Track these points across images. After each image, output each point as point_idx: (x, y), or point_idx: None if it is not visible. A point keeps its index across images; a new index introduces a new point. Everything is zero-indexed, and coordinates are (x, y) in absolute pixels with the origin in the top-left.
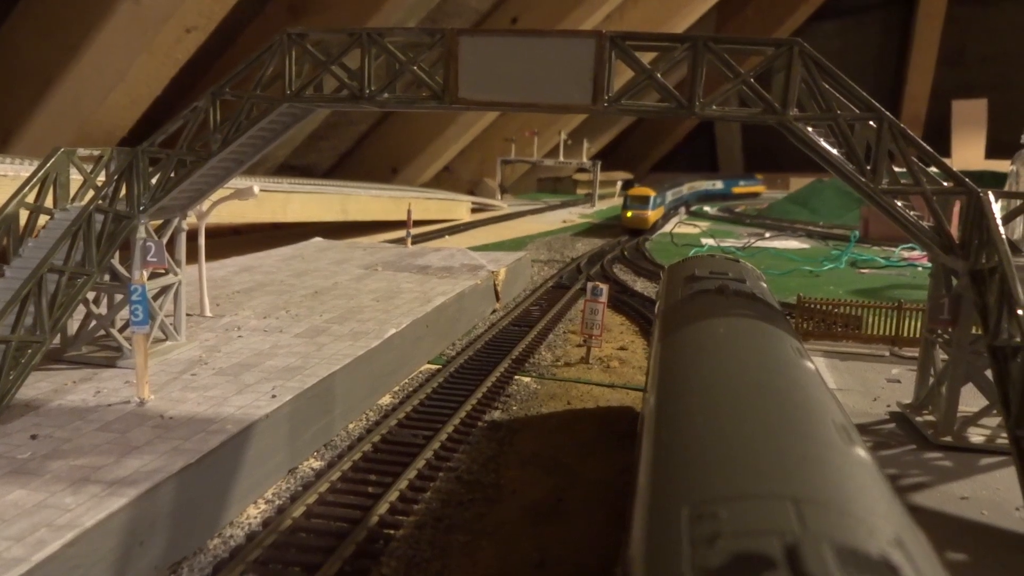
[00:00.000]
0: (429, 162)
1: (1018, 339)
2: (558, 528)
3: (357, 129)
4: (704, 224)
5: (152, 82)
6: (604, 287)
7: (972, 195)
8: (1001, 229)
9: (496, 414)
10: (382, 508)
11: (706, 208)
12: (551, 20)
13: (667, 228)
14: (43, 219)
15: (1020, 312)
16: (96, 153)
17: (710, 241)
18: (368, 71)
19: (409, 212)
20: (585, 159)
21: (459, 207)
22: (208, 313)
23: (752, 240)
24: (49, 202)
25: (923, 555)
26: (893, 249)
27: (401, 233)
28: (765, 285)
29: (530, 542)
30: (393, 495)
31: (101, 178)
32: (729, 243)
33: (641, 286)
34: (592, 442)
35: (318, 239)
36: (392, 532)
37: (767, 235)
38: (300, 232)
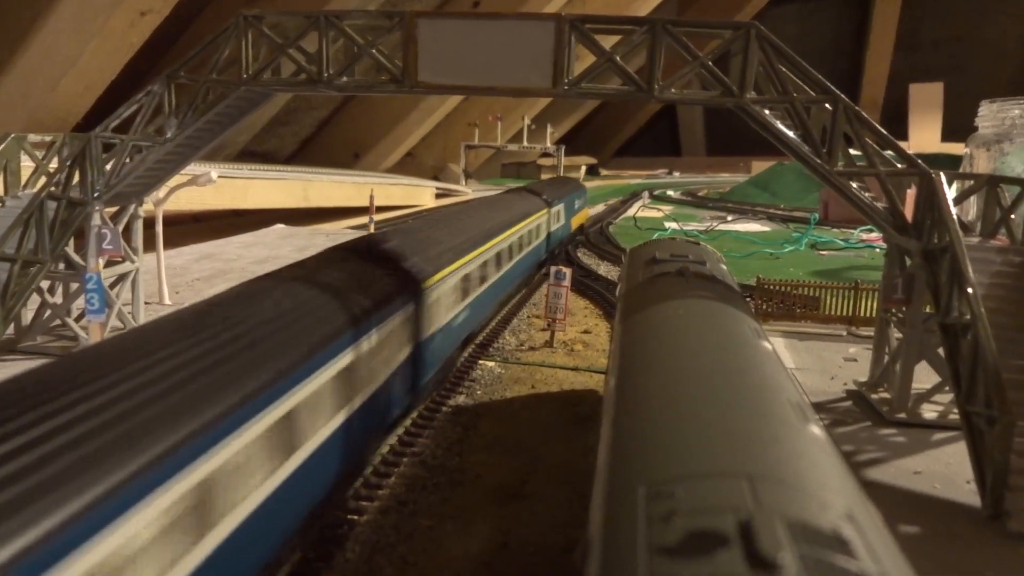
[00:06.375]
0: (392, 147)
1: (968, 316)
2: (522, 510)
3: (318, 114)
4: (668, 208)
5: (106, 67)
6: (567, 271)
7: (924, 177)
8: (953, 209)
9: (461, 399)
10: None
11: (669, 192)
12: (514, 3)
13: (631, 212)
14: None
15: (970, 290)
16: (48, 139)
17: (673, 224)
18: (326, 54)
19: (372, 198)
20: (549, 144)
21: (423, 193)
22: (167, 301)
23: (715, 223)
24: None
25: (874, 528)
26: (852, 231)
27: (364, 219)
28: (725, 267)
29: (494, 524)
30: (357, 482)
31: (54, 164)
32: (692, 226)
33: (605, 270)
34: (556, 425)
35: (280, 226)
36: (356, 518)
37: (729, 218)
38: (262, 219)
